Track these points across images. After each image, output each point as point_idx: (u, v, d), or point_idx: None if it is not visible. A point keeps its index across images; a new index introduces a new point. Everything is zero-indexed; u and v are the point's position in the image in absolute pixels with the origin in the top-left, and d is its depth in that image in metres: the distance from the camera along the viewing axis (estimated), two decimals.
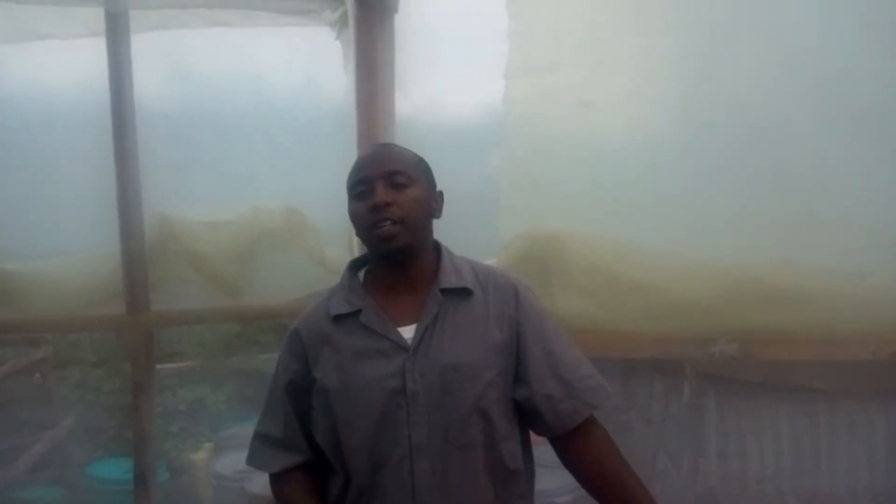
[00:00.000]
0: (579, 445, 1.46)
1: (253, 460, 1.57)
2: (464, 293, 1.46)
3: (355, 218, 1.45)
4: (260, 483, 3.64)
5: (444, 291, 1.45)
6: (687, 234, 2.47)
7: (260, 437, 1.56)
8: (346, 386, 1.41)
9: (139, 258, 2.77)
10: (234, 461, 4.06)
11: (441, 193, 1.53)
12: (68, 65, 2.88)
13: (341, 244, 2.84)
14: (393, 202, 1.39)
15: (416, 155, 1.51)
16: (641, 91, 2.56)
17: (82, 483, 4.01)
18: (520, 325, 1.46)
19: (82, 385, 4.51)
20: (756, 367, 3.14)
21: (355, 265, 1.56)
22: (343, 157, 2.74)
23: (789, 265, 2.40)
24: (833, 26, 2.46)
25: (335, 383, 1.42)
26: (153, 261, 2.82)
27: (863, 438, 3.31)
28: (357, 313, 1.44)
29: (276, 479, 1.54)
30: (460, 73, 2.77)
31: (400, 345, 1.41)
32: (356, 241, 2.74)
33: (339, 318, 1.46)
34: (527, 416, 1.49)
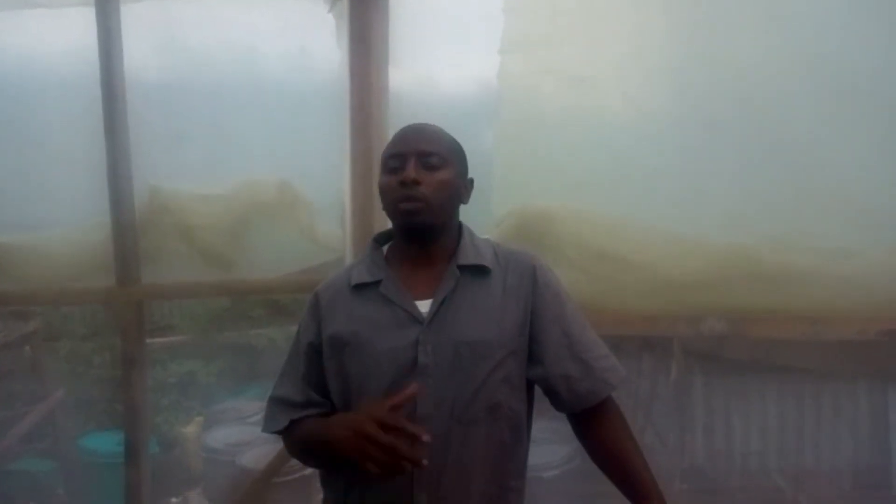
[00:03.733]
0: (594, 423, 1.49)
1: (266, 424, 1.55)
2: (482, 271, 1.47)
3: (383, 190, 1.47)
4: (251, 456, 3.67)
5: (463, 268, 1.46)
6: (679, 211, 2.47)
7: (276, 401, 1.54)
8: (359, 353, 1.44)
9: (130, 230, 2.76)
10: (226, 434, 4.09)
11: (472, 181, 1.55)
12: (57, 34, 2.83)
13: (333, 218, 2.83)
14: (422, 181, 1.41)
15: (452, 139, 1.52)
16: (636, 67, 2.55)
17: (74, 455, 4.03)
18: (536, 305, 1.47)
19: (72, 358, 4.52)
20: (743, 346, 3.18)
21: (380, 239, 1.58)
22: (336, 131, 2.74)
23: (779, 244, 2.41)
24: (828, 3, 2.45)
25: (349, 349, 1.45)
26: (144, 233, 2.80)
27: (847, 417, 3.36)
28: (377, 284, 1.47)
29: (287, 435, 1.52)
30: (455, 48, 2.75)
31: (415, 317, 1.43)
32: (349, 215, 2.74)
33: (358, 288, 1.48)
34: (545, 393, 1.51)
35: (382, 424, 1.25)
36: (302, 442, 1.49)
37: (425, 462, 1.25)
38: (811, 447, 3.42)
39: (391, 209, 1.46)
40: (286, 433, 1.52)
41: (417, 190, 1.41)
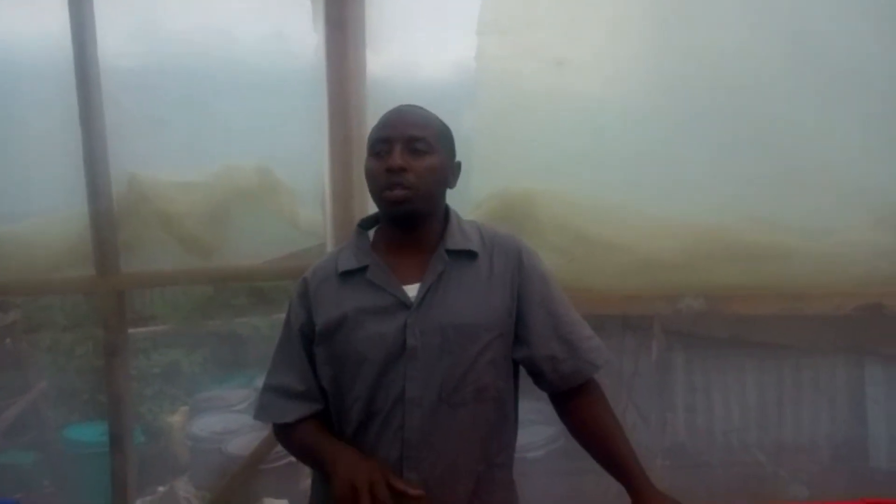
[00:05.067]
0: (577, 403, 1.51)
1: (264, 414, 1.54)
2: (469, 255, 1.48)
3: (369, 176, 1.46)
4: (237, 443, 3.67)
5: (450, 253, 1.47)
6: (657, 192, 2.50)
7: (272, 390, 1.53)
8: (349, 339, 1.44)
9: (108, 219, 2.74)
10: (211, 423, 4.08)
11: (459, 164, 1.54)
12: (29, 20, 2.78)
13: (314, 204, 2.82)
14: (408, 168, 1.40)
15: (440, 122, 1.51)
16: (615, 48, 2.56)
17: (58, 446, 4.01)
18: (522, 287, 1.49)
19: (54, 349, 4.47)
20: (723, 323, 3.22)
21: (365, 224, 1.58)
22: (315, 116, 2.72)
23: (756, 223, 2.45)
24: None
25: (338, 335, 1.45)
26: (123, 222, 2.78)
27: (825, 392, 3.42)
28: (364, 270, 1.47)
29: (285, 429, 1.52)
30: (432, 30, 2.73)
31: (403, 302, 1.43)
32: (329, 200, 2.73)
33: (346, 274, 1.48)
34: (529, 373, 1.53)
35: (387, 484, 1.30)
36: (302, 447, 1.50)
37: None
38: (790, 422, 3.48)
39: (377, 196, 1.45)
40: (283, 425, 1.51)
41: (404, 177, 1.40)
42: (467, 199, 2.47)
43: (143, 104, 2.77)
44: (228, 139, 2.82)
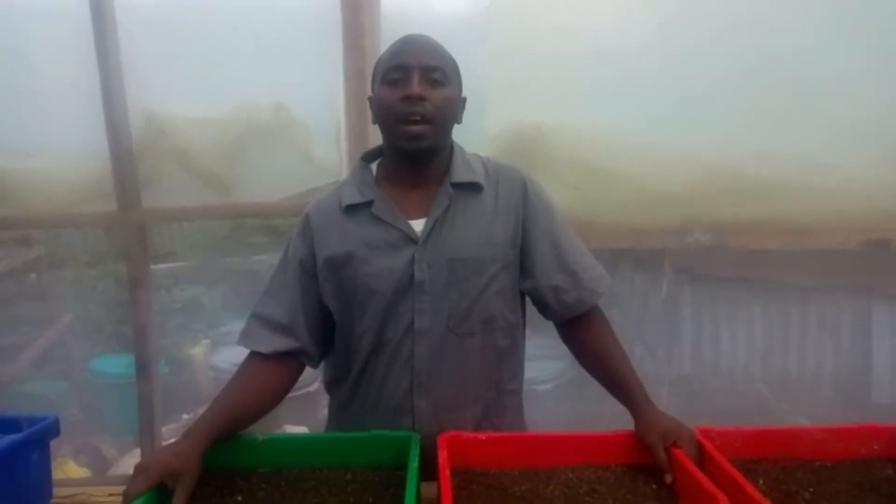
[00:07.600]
0: (581, 329, 1.55)
1: (246, 339, 1.51)
2: (474, 188, 1.48)
3: (383, 105, 1.42)
4: None
5: (456, 186, 1.47)
6: (667, 126, 2.49)
7: (258, 318, 1.52)
8: (356, 273, 1.45)
9: (127, 155, 2.78)
10: (232, 355, 4.22)
11: (465, 99, 1.52)
12: None
13: (329, 140, 2.84)
14: (427, 97, 1.38)
15: (451, 55, 1.49)
16: None
17: (85, 377, 4.16)
18: (527, 219, 1.50)
19: (77, 284, 4.60)
20: (731, 261, 3.26)
21: (368, 157, 1.57)
22: (330, 51, 2.72)
23: (763, 157, 2.44)
24: None
25: (346, 270, 1.46)
26: (142, 158, 2.82)
27: (831, 327, 3.47)
28: (369, 204, 1.47)
29: (253, 358, 1.50)
30: None
31: (410, 236, 1.44)
32: (344, 136, 2.75)
33: (350, 209, 1.48)
34: (535, 303, 1.57)
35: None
36: (229, 382, 1.48)
37: None
38: (795, 357, 3.55)
39: (391, 126, 1.42)
40: (256, 353, 1.49)
41: (423, 107, 1.38)
42: (480, 134, 2.48)
43: (158, 40, 2.76)
44: (243, 75, 2.82)
